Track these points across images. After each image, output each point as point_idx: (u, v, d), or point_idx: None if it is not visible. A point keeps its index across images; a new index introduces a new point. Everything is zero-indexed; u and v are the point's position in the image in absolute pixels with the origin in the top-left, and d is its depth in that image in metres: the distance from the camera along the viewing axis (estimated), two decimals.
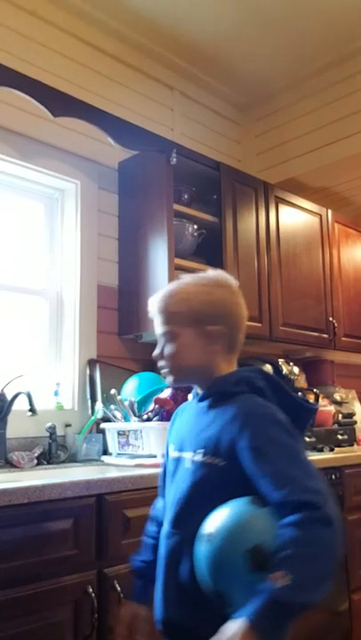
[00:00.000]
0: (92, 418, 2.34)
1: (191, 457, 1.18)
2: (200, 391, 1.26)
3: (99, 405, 2.34)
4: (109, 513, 1.61)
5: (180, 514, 1.17)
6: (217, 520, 1.06)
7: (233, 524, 1.05)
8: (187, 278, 1.27)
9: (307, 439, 2.72)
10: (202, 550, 1.05)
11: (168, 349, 1.24)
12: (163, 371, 1.26)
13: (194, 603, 1.10)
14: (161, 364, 1.25)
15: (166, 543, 1.18)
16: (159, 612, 1.17)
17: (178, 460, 1.23)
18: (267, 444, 1.07)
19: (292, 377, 2.87)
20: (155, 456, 2.03)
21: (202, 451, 1.15)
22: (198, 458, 1.15)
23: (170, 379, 1.26)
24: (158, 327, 1.25)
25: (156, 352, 1.25)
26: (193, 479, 1.16)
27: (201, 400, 1.24)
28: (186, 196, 2.67)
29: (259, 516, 1.04)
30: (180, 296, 1.24)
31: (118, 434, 2.21)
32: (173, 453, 1.26)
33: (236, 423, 1.11)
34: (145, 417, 2.18)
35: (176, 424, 1.32)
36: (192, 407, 1.28)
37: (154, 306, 1.26)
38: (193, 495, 1.15)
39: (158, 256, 2.48)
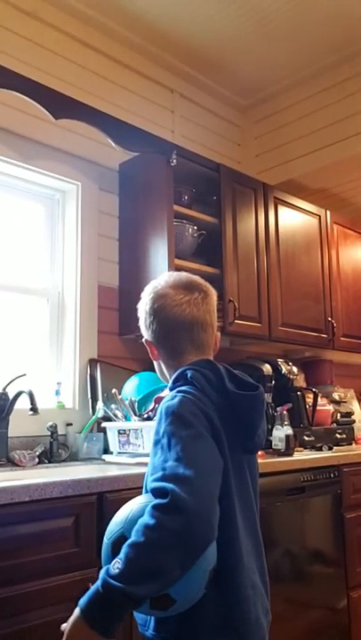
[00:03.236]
0: (93, 417, 2.36)
1: None
2: None
3: (99, 405, 2.36)
4: (110, 511, 1.60)
5: None
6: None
7: (113, 517, 1.07)
8: None
9: (306, 438, 2.74)
10: None
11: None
12: None
13: None
14: None
15: None
16: None
17: None
18: (158, 437, 1.07)
19: (292, 376, 2.89)
20: None
21: None
22: None
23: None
24: None
25: None
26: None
27: None
28: (186, 198, 2.69)
29: (131, 506, 1.05)
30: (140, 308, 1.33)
31: (119, 433, 2.23)
32: None
33: None
34: (145, 416, 2.20)
35: None
36: None
37: None
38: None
39: (158, 257, 2.49)
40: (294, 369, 2.94)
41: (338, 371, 3.63)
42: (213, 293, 1.30)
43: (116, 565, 0.92)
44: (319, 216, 3.28)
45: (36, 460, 2.13)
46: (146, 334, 1.29)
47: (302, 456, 2.44)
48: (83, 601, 0.94)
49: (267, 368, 2.76)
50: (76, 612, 0.95)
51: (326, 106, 3.12)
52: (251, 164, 3.40)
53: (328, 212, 3.34)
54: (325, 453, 2.58)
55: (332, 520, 2.42)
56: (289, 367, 2.90)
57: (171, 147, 2.56)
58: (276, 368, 2.82)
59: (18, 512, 1.43)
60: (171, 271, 1.37)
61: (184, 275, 1.31)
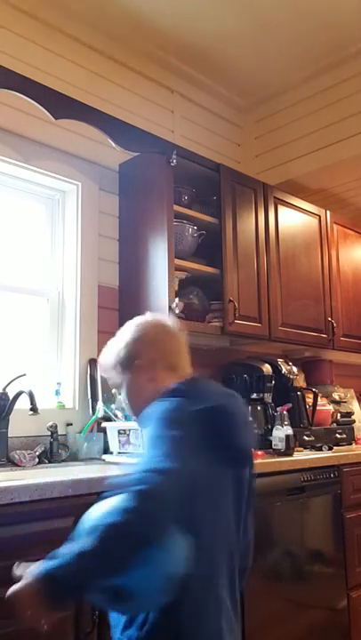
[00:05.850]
0: (93, 417, 2.36)
1: None
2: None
3: (99, 405, 2.36)
4: None
5: None
6: None
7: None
8: None
9: (306, 438, 2.74)
10: None
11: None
12: None
13: None
14: None
15: None
16: None
17: None
18: (148, 439, 1.13)
19: (292, 376, 2.89)
20: None
21: None
22: None
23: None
24: None
25: None
26: None
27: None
28: (186, 198, 2.69)
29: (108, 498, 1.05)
30: None
31: (119, 433, 2.23)
32: None
33: None
34: None
35: None
36: None
37: None
38: None
39: (158, 257, 2.49)
40: (294, 369, 2.94)
41: (338, 371, 3.63)
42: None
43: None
44: (319, 216, 3.28)
45: (36, 459, 2.13)
46: None
47: (302, 456, 2.44)
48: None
49: (267, 368, 2.76)
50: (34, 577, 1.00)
51: (326, 106, 3.12)
52: (251, 164, 3.40)
53: (328, 212, 3.34)
54: (325, 453, 2.58)
55: (332, 520, 2.42)
56: (289, 367, 2.90)
57: (171, 147, 2.56)
58: (276, 368, 2.82)
59: (18, 512, 1.44)
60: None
61: None
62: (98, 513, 1.02)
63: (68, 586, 0.95)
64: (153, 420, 1.15)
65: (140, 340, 1.37)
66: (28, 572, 0.99)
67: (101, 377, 2.46)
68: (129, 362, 1.36)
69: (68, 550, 0.95)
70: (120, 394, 1.40)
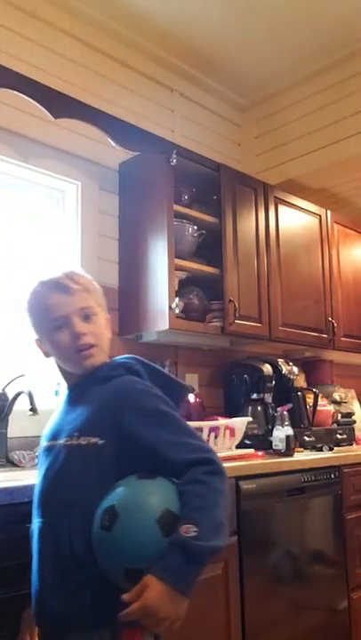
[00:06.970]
0: None
1: (64, 442, 1.18)
2: (67, 382, 1.30)
3: None
4: None
5: (53, 501, 1.16)
6: (115, 502, 1.05)
7: (133, 500, 1.06)
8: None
9: (306, 438, 2.73)
10: (106, 535, 1.04)
11: (94, 326, 1.24)
12: (91, 349, 1.22)
13: (72, 588, 1.10)
14: (89, 339, 1.22)
15: (39, 534, 1.18)
16: (35, 604, 1.17)
17: (49, 450, 1.22)
18: (151, 414, 1.12)
19: (292, 377, 2.88)
20: None
21: (77, 434, 1.16)
22: (72, 441, 1.16)
23: (96, 358, 1.23)
24: (82, 302, 1.24)
25: (83, 328, 1.22)
26: (65, 462, 1.16)
27: (76, 389, 1.27)
28: (186, 197, 2.68)
29: (154, 485, 1.07)
30: (94, 284, 1.31)
31: None
32: (44, 443, 1.26)
33: (117, 400, 1.15)
34: None
35: (49, 425, 1.33)
36: (64, 401, 1.31)
37: (79, 280, 1.27)
38: (64, 479, 1.15)
39: (158, 256, 2.49)
40: (295, 369, 2.93)
41: (338, 371, 3.63)
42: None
43: (190, 532, 0.98)
44: (320, 216, 3.27)
45: (36, 460, 2.12)
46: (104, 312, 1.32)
47: (303, 456, 2.43)
48: (170, 572, 0.97)
49: (267, 368, 2.76)
50: (165, 586, 0.96)
51: (327, 105, 3.12)
52: (251, 164, 3.40)
53: (329, 212, 3.33)
54: (326, 454, 2.58)
55: (332, 521, 2.41)
56: (289, 367, 2.89)
57: (171, 146, 2.55)
58: (276, 368, 2.82)
59: (18, 512, 1.43)
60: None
61: None
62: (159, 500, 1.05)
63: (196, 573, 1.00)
64: (148, 396, 1.16)
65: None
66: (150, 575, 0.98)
67: None
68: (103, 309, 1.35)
69: (209, 522, 1.01)
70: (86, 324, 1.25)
